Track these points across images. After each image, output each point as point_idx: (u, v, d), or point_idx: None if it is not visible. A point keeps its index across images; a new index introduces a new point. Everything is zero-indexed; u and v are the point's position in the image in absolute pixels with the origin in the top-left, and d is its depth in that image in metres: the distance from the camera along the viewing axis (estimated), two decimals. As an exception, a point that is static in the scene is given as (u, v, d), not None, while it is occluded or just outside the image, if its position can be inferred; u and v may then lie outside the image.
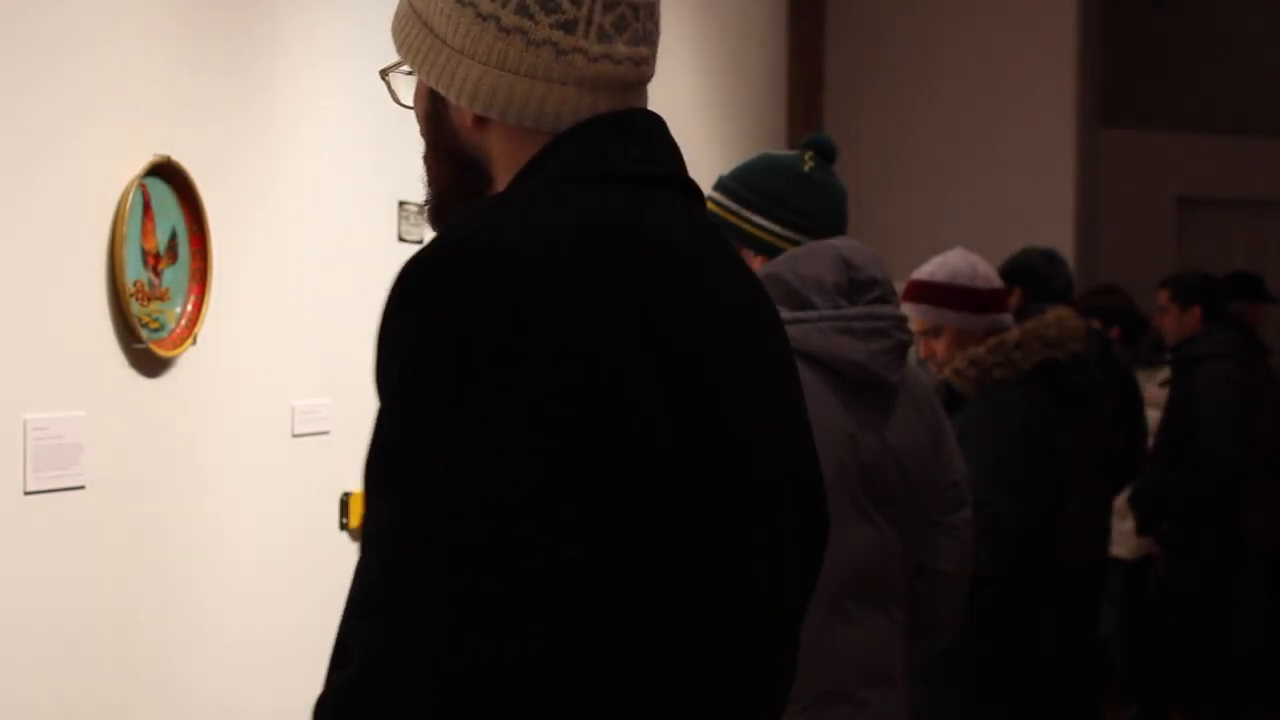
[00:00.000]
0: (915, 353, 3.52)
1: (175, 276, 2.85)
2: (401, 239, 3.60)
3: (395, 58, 1.45)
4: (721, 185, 2.61)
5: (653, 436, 1.21)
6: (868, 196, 5.81)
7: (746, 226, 2.55)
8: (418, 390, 1.18)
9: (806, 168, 2.58)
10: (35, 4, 2.51)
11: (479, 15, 1.34)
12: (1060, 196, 6.89)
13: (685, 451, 1.23)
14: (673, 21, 4.32)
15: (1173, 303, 5.79)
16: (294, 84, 3.23)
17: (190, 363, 2.89)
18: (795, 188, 2.56)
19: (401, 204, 3.59)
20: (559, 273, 1.20)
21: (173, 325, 2.84)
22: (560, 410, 1.17)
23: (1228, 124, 8.88)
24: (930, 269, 3.69)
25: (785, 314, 2.18)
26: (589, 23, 1.33)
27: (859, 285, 2.50)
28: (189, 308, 2.87)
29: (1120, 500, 5.52)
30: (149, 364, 2.79)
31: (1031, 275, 4.48)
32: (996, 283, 3.73)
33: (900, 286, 3.25)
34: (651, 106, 1.41)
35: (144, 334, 2.74)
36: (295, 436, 3.26)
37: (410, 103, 1.46)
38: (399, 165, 3.43)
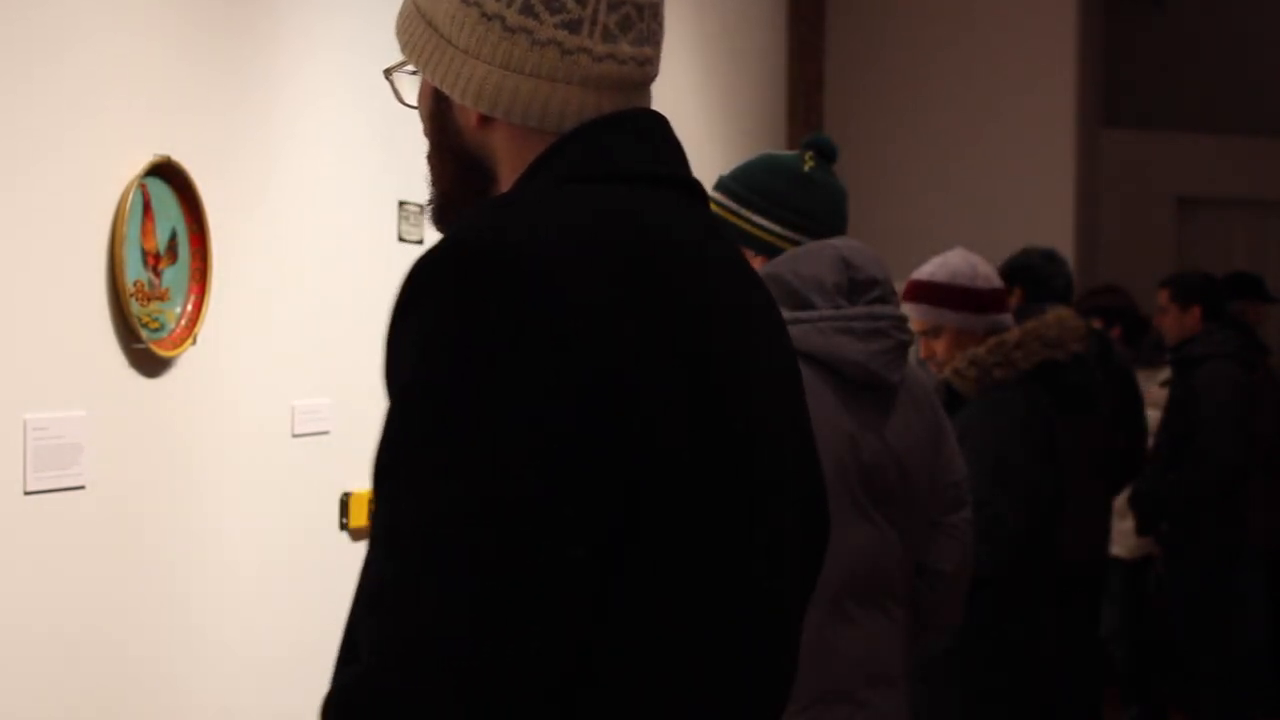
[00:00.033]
0: (915, 353, 3.52)
1: (175, 276, 2.85)
2: (402, 239, 3.60)
3: (398, 57, 1.46)
4: (722, 185, 2.61)
5: (654, 436, 1.21)
6: (867, 196, 5.80)
7: (747, 226, 2.55)
8: (428, 390, 1.18)
9: (807, 168, 2.58)
10: (35, 3, 2.51)
11: (484, 15, 1.34)
12: (1060, 196, 6.88)
13: (686, 451, 1.23)
14: (673, 21, 4.31)
15: (1173, 303, 5.79)
16: (294, 83, 3.22)
17: (190, 363, 2.88)
18: (795, 188, 2.56)
19: (402, 204, 3.59)
20: (564, 273, 1.21)
21: (173, 325, 2.84)
22: (564, 410, 1.17)
23: (1228, 124, 8.88)
24: (930, 269, 3.69)
25: (785, 314, 2.18)
26: (594, 22, 1.34)
27: (859, 285, 2.50)
28: (189, 308, 2.87)
29: (1120, 500, 5.51)
30: (149, 364, 2.79)
31: (1031, 275, 4.48)
32: (996, 283, 3.73)
33: (900, 286, 3.25)
34: (652, 106, 1.41)
35: (144, 334, 2.74)
36: (295, 436, 3.25)
37: (414, 102, 1.46)
38: (400, 165, 3.43)
